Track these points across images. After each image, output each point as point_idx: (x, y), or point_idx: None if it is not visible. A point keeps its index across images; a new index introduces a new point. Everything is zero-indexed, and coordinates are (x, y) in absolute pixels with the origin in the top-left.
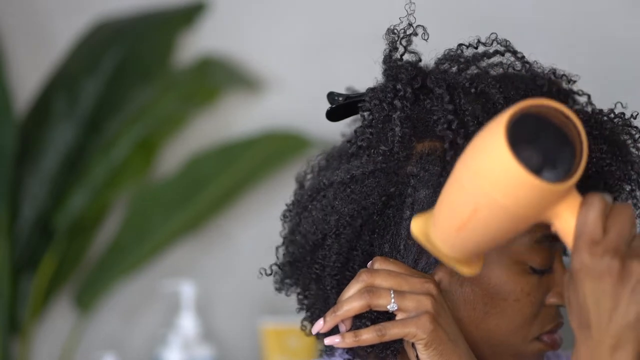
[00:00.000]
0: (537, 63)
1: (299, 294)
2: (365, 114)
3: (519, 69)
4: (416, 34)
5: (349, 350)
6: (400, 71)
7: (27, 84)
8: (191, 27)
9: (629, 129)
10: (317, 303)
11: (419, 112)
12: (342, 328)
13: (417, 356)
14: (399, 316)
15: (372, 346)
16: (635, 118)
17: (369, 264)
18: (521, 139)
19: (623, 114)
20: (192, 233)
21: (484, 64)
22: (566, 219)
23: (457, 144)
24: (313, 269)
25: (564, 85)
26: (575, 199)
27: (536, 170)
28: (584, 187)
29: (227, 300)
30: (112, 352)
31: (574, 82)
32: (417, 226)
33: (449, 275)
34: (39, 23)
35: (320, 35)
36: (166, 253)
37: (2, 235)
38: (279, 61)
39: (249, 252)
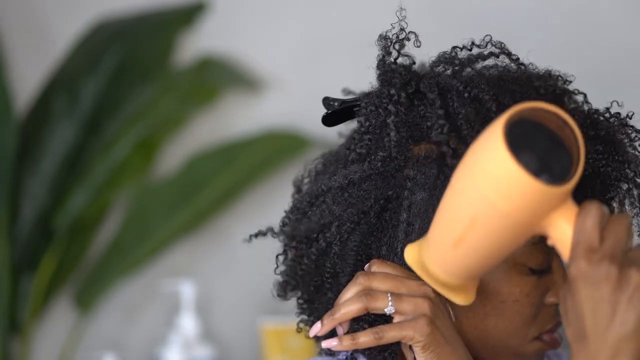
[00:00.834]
0: (532, 65)
1: (298, 298)
2: (362, 119)
3: (514, 70)
4: (409, 39)
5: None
6: (394, 76)
7: (27, 84)
8: (191, 27)
9: (625, 128)
10: (319, 308)
11: (414, 116)
12: (340, 331)
13: (414, 359)
14: (396, 319)
15: (369, 349)
16: (630, 118)
17: (366, 266)
18: (518, 142)
19: (619, 113)
20: (192, 233)
21: (479, 65)
22: (563, 228)
23: (451, 148)
24: (324, 278)
25: (560, 84)
26: (571, 208)
27: (534, 171)
28: (581, 189)
29: (227, 300)
30: (112, 352)
31: (570, 82)
32: (411, 253)
33: None
34: (39, 23)
35: (320, 35)
36: (166, 253)
37: (2, 235)
38: (279, 61)
39: (249, 252)
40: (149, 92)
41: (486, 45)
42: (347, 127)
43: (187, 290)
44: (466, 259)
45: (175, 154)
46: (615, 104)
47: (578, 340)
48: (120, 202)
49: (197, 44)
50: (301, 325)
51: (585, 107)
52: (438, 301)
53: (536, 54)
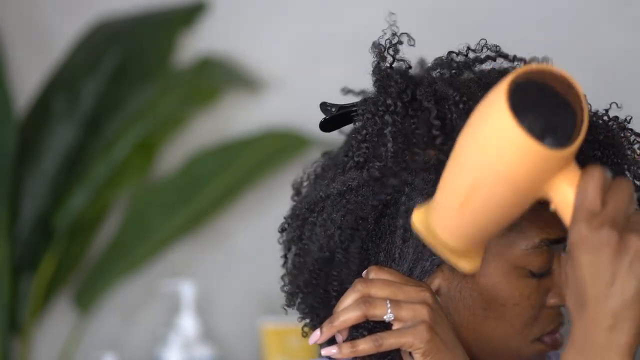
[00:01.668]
0: None
1: (300, 303)
2: (359, 126)
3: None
4: (401, 42)
5: None
6: (390, 84)
7: (27, 84)
8: (191, 27)
9: (624, 131)
10: (322, 312)
11: (411, 125)
12: (339, 338)
13: None
14: (395, 326)
15: (369, 356)
16: (629, 122)
17: (363, 273)
18: (522, 105)
19: (617, 117)
20: (192, 233)
21: (476, 69)
22: (565, 192)
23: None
24: (331, 287)
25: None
26: (574, 172)
27: (537, 134)
28: None
29: (227, 300)
30: (112, 352)
31: None
32: (418, 217)
33: (448, 281)
34: (39, 23)
35: (320, 35)
36: (166, 253)
37: (2, 235)
38: (279, 61)
39: (248, 252)
40: (149, 92)
41: (482, 50)
42: (349, 127)
43: (187, 290)
44: (471, 222)
45: (175, 154)
46: (614, 105)
47: (578, 307)
48: (120, 202)
49: (197, 44)
50: (306, 329)
51: None
52: (437, 307)
53: (536, 55)
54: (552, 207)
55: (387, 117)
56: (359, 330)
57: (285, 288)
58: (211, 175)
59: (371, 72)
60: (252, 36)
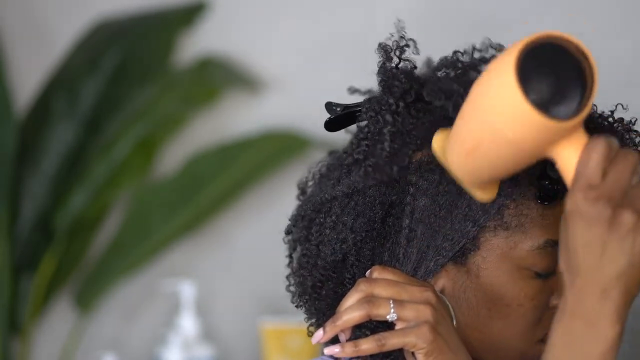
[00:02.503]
0: None
1: (307, 303)
2: (362, 124)
3: None
4: (408, 46)
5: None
6: (394, 83)
7: (27, 84)
8: (191, 27)
9: (630, 133)
10: (329, 312)
11: (409, 124)
12: (342, 338)
13: None
14: (398, 326)
15: (372, 356)
16: (634, 124)
17: (367, 272)
18: (531, 71)
19: (622, 118)
20: (192, 233)
21: (482, 68)
22: (569, 157)
23: None
24: (344, 289)
25: None
26: (581, 138)
27: (544, 103)
28: None
29: (227, 300)
30: (112, 352)
31: None
32: (438, 141)
33: (452, 282)
34: (39, 23)
35: (320, 35)
36: (166, 253)
37: (2, 235)
38: (279, 61)
39: (249, 252)
40: (149, 92)
41: (487, 49)
42: (354, 127)
43: (187, 290)
44: (478, 170)
45: (175, 154)
46: (620, 107)
47: (570, 274)
48: (120, 202)
49: (197, 44)
50: (311, 329)
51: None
52: (440, 307)
53: None
54: (556, 167)
55: (388, 116)
56: (361, 329)
57: (291, 288)
58: (211, 175)
59: (376, 71)
60: (252, 36)
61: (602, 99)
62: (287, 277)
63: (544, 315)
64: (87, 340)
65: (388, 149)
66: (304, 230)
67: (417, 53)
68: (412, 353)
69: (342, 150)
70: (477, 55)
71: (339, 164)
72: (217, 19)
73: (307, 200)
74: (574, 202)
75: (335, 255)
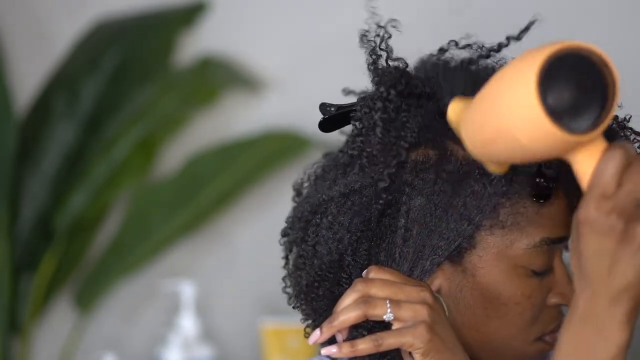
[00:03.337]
0: None
1: (303, 304)
2: (357, 123)
3: None
4: (390, 36)
5: None
6: (385, 74)
7: (27, 84)
8: (191, 27)
9: (624, 131)
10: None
11: (402, 118)
12: (339, 338)
13: None
14: (395, 326)
15: (369, 356)
16: (628, 121)
17: (364, 273)
18: (555, 78)
19: (617, 116)
20: (192, 233)
21: (473, 68)
22: (585, 164)
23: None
24: (340, 289)
25: None
26: (599, 145)
27: (562, 114)
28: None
29: (227, 300)
30: (112, 352)
31: None
32: (454, 110)
33: (449, 281)
34: (39, 23)
35: (320, 35)
36: (166, 253)
37: (2, 235)
38: (279, 61)
39: (249, 252)
40: (149, 92)
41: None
42: (350, 127)
43: (187, 290)
44: (493, 156)
45: (175, 154)
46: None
47: (580, 279)
48: (120, 202)
49: (197, 44)
50: (308, 330)
51: None
52: (437, 307)
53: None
54: (574, 170)
55: (378, 103)
56: (358, 329)
57: (287, 289)
58: (211, 175)
59: (367, 68)
60: (252, 36)
61: None
62: (284, 279)
63: (540, 314)
64: (87, 340)
65: (380, 136)
66: (300, 231)
67: (400, 31)
68: (410, 353)
69: (338, 150)
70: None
71: (335, 165)
72: (217, 19)
73: (303, 202)
74: (586, 214)
75: (332, 255)
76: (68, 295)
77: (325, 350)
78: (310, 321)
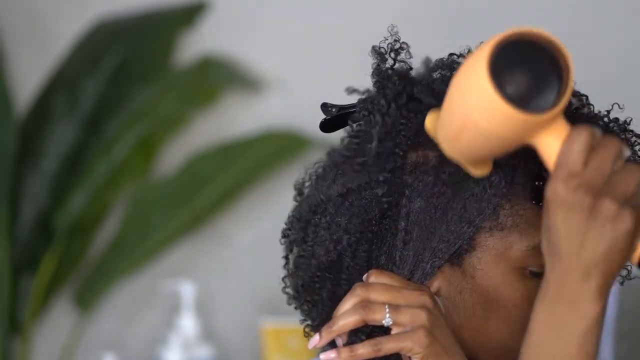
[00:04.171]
0: None
1: (302, 304)
2: (355, 124)
3: None
4: (403, 49)
5: None
6: (388, 85)
7: (27, 84)
8: (191, 27)
9: (625, 133)
10: (324, 314)
11: (400, 124)
12: (339, 342)
13: None
14: (394, 330)
15: None
16: (629, 124)
17: (364, 277)
18: (505, 67)
19: (617, 118)
20: (192, 233)
21: None
22: (551, 146)
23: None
24: (341, 290)
25: None
26: (563, 128)
27: (520, 97)
28: None
29: (227, 300)
30: (112, 352)
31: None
32: (430, 120)
33: (448, 283)
34: (39, 23)
35: (320, 36)
36: (166, 253)
37: (2, 235)
38: (279, 61)
39: (249, 252)
40: (149, 92)
41: None
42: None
43: (187, 290)
44: (466, 152)
45: (175, 154)
46: (616, 106)
47: (552, 257)
48: (120, 202)
49: (197, 44)
50: (307, 330)
51: (586, 111)
52: (437, 311)
53: None
54: (539, 154)
55: (377, 117)
56: (357, 334)
57: (287, 289)
58: (211, 175)
59: (371, 73)
60: (252, 36)
61: (598, 98)
62: (284, 279)
63: None
64: (87, 340)
65: (375, 150)
66: (300, 231)
67: (410, 57)
68: (409, 357)
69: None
70: None
71: (335, 164)
72: (217, 19)
73: (303, 202)
74: (554, 191)
75: (329, 255)
76: (68, 295)
77: (324, 356)
78: (309, 322)
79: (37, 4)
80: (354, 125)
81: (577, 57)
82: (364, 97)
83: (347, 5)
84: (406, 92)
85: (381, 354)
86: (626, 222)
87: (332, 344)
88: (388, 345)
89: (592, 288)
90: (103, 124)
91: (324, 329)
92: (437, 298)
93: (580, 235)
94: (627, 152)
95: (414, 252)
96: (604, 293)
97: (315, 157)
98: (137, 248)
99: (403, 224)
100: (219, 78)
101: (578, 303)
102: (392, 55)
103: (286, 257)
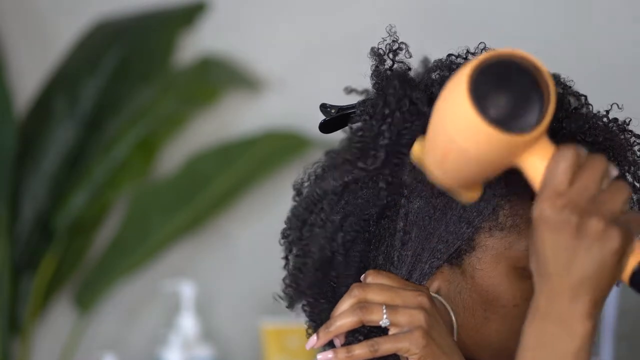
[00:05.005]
0: None
1: (304, 305)
2: (355, 127)
3: None
4: (401, 49)
5: None
6: (389, 91)
7: (27, 84)
8: (191, 27)
9: (624, 133)
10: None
11: (403, 128)
12: (337, 342)
13: None
14: (391, 331)
15: None
16: (628, 124)
17: (362, 277)
18: (485, 90)
19: (617, 119)
20: (192, 233)
21: None
22: (536, 167)
23: None
24: (336, 289)
25: (559, 89)
26: (547, 147)
27: (502, 118)
28: None
29: (227, 300)
30: (112, 352)
31: (569, 87)
32: (417, 147)
33: (447, 283)
34: (39, 23)
35: (320, 35)
36: (166, 253)
37: (2, 235)
38: (279, 61)
39: (249, 252)
40: (149, 92)
41: (481, 52)
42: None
43: (187, 290)
44: (452, 176)
45: (175, 154)
46: (615, 106)
47: (541, 277)
48: (120, 202)
49: (197, 44)
50: (310, 331)
51: (585, 110)
52: (434, 312)
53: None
54: (524, 175)
55: (379, 123)
56: (355, 335)
57: (286, 290)
58: (211, 175)
59: (370, 75)
60: (252, 36)
61: (598, 99)
62: (284, 279)
63: None
64: (87, 340)
65: (381, 161)
66: (297, 230)
67: (410, 56)
68: (407, 358)
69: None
70: (470, 58)
71: (334, 165)
72: (217, 19)
73: (301, 201)
74: (540, 211)
75: (324, 253)
76: (68, 295)
77: (321, 356)
78: (312, 322)
79: (37, 4)
80: (355, 127)
81: (577, 57)
82: (363, 98)
83: (347, 5)
84: (407, 97)
85: (378, 354)
86: (614, 240)
87: (330, 345)
88: (385, 346)
89: (581, 308)
90: (103, 124)
91: (321, 330)
92: (437, 298)
93: (568, 255)
94: (614, 171)
95: (413, 253)
96: (594, 312)
97: (315, 157)
98: (137, 248)
99: (402, 224)
100: (219, 78)
101: (568, 323)
102: (391, 56)
103: (286, 258)
